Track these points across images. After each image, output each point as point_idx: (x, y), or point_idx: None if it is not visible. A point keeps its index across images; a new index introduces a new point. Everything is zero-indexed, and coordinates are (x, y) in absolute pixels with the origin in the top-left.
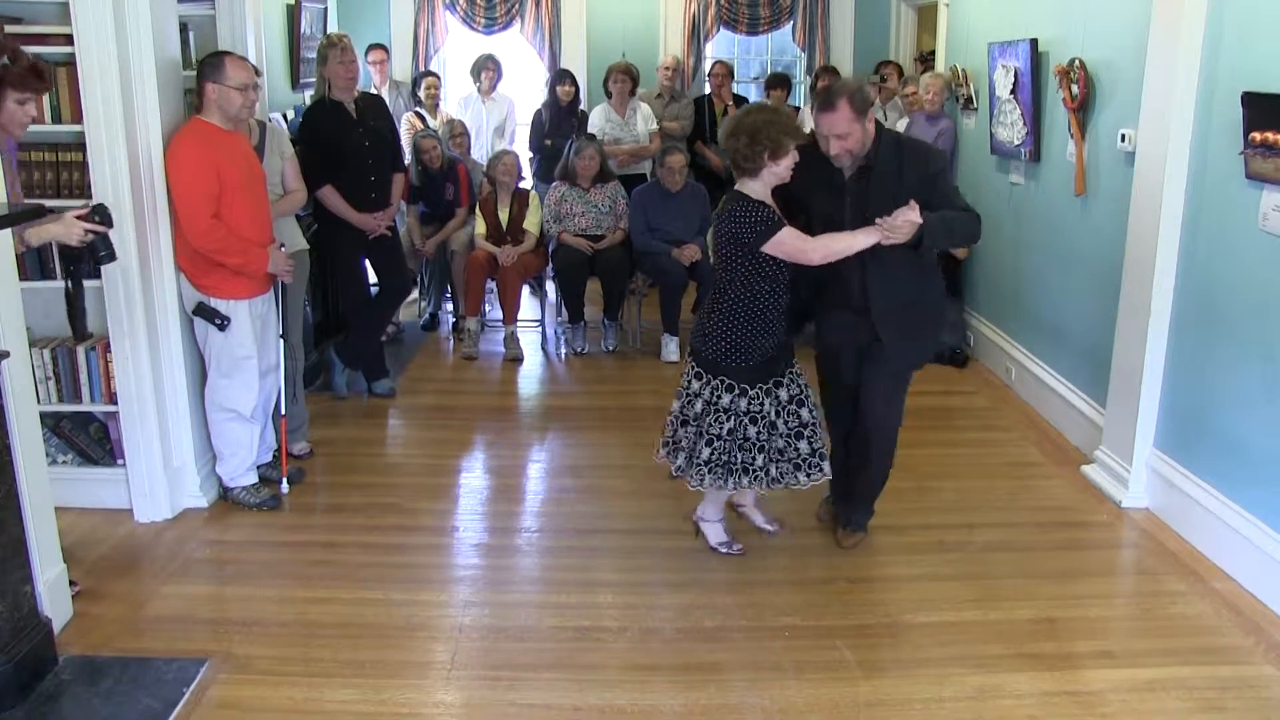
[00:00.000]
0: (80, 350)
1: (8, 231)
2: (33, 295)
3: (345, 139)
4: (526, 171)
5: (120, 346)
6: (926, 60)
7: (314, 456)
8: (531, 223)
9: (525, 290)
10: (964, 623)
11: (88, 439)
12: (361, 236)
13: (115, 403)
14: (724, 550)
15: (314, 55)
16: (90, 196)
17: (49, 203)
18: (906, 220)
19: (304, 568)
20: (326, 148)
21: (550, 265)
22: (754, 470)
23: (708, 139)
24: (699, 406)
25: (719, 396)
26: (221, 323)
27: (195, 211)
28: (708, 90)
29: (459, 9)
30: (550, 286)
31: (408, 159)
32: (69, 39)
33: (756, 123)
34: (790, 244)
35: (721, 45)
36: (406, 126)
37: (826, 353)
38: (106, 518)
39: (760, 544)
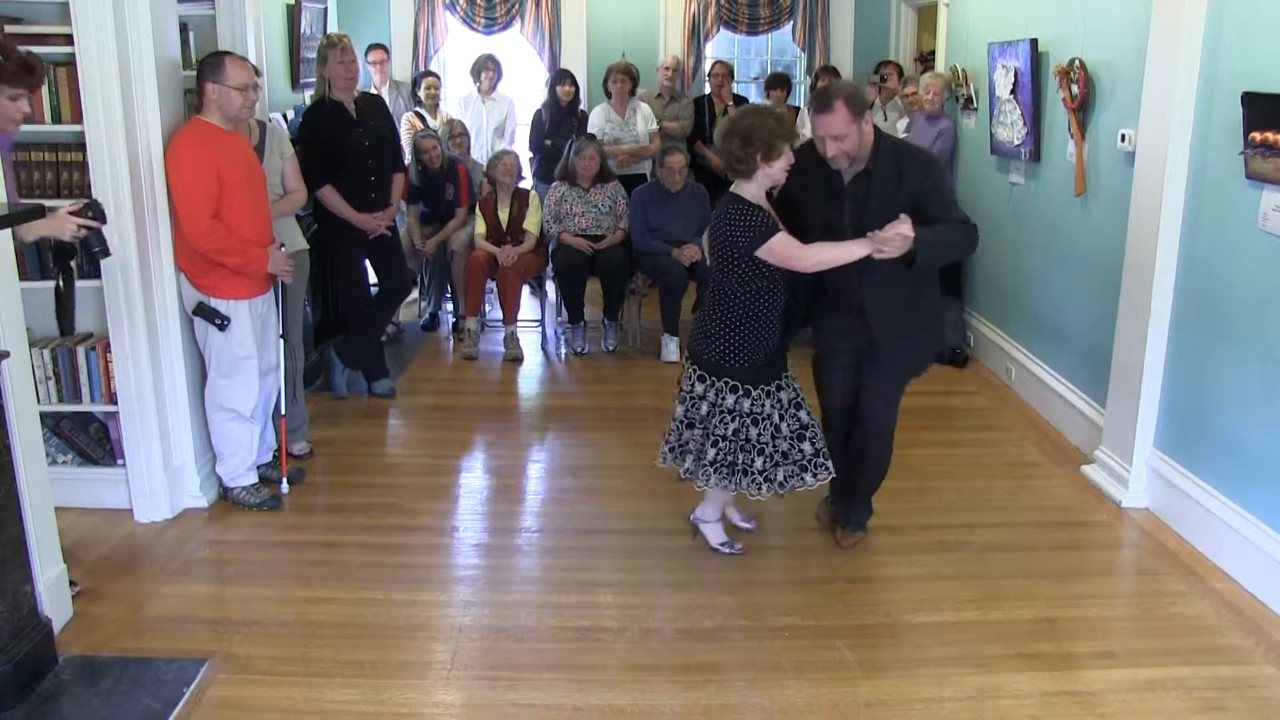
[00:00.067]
0: (80, 350)
1: (7, 232)
2: (33, 295)
3: (345, 139)
4: (526, 171)
5: (120, 346)
6: (926, 60)
7: (314, 456)
8: (531, 223)
9: (525, 290)
10: (964, 623)
11: (88, 439)
12: (361, 236)
13: (115, 403)
14: (724, 550)
15: (314, 55)
16: (90, 196)
17: (48, 203)
18: (899, 234)
19: (304, 568)
20: (326, 148)
21: (550, 265)
22: (753, 473)
23: (708, 139)
24: (704, 409)
25: (723, 398)
26: (221, 323)
27: (195, 211)
28: (708, 90)
29: (459, 9)
30: (550, 286)
31: (408, 159)
32: (69, 39)
33: (750, 125)
34: (782, 250)
35: (721, 45)
36: (406, 126)
37: (825, 353)
38: (106, 518)
39: (760, 544)
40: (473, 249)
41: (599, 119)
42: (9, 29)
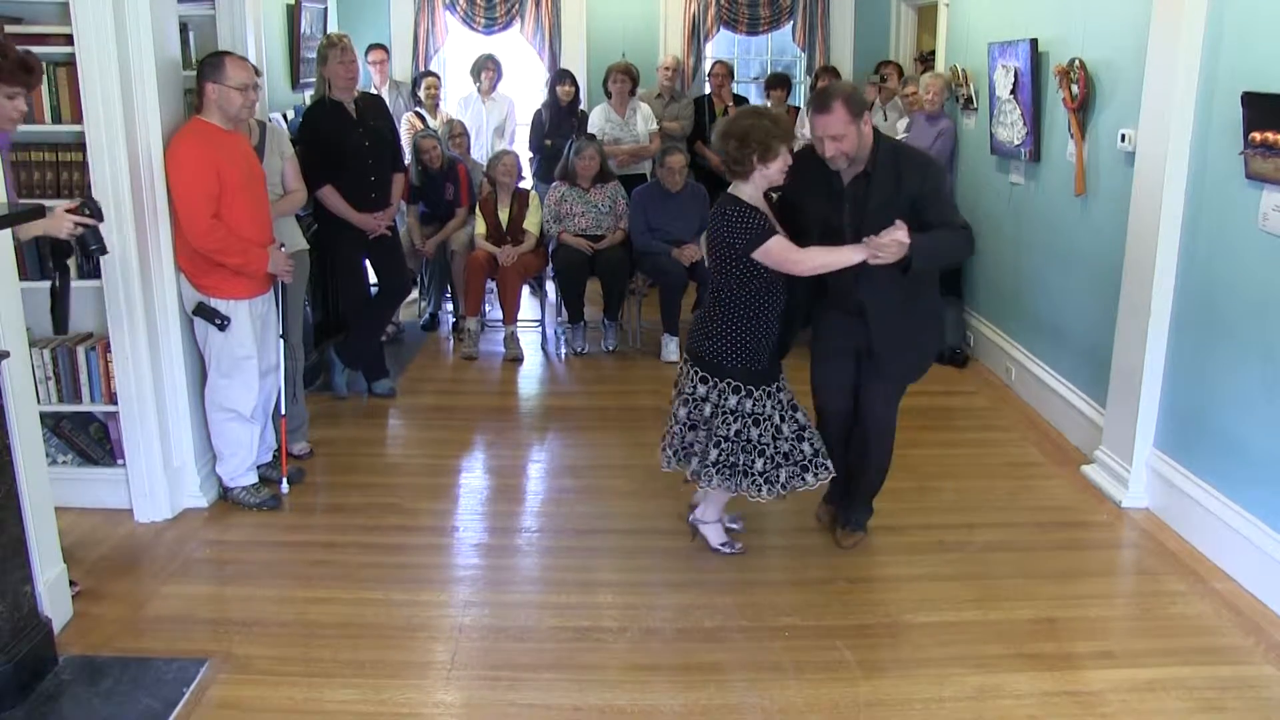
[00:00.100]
0: (80, 350)
1: (7, 232)
2: (33, 295)
3: (345, 139)
4: (526, 171)
5: (120, 346)
6: (926, 60)
7: (314, 456)
8: (531, 223)
9: (525, 290)
10: (964, 623)
11: (88, 439)
12: (361, 236)
13: (115, 403)
14: (725, 550)
15: (314, 55)
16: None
17: (48, 203)
18: (894, 240)
19: (304, 568)
20: (326, 148)
21: (550, 265)
22: (753, 474)
23: (708, 139)
24: (708, 411)
25: (725, 399)
26: (221, 323)
27: (195, 211)
28: (708, 90)
29: (459, 9)
30: (550, 286)
31: (408, 159)
32: (69, 39)
33: (746, 127)
34: (778, 254)
35: (721, 45)
36: (406, 126)
37: (824, 353)
38: (106, 518)
39: (760, 544)
40: (473, 249)
41: (599, 119)
42: (9, 29)
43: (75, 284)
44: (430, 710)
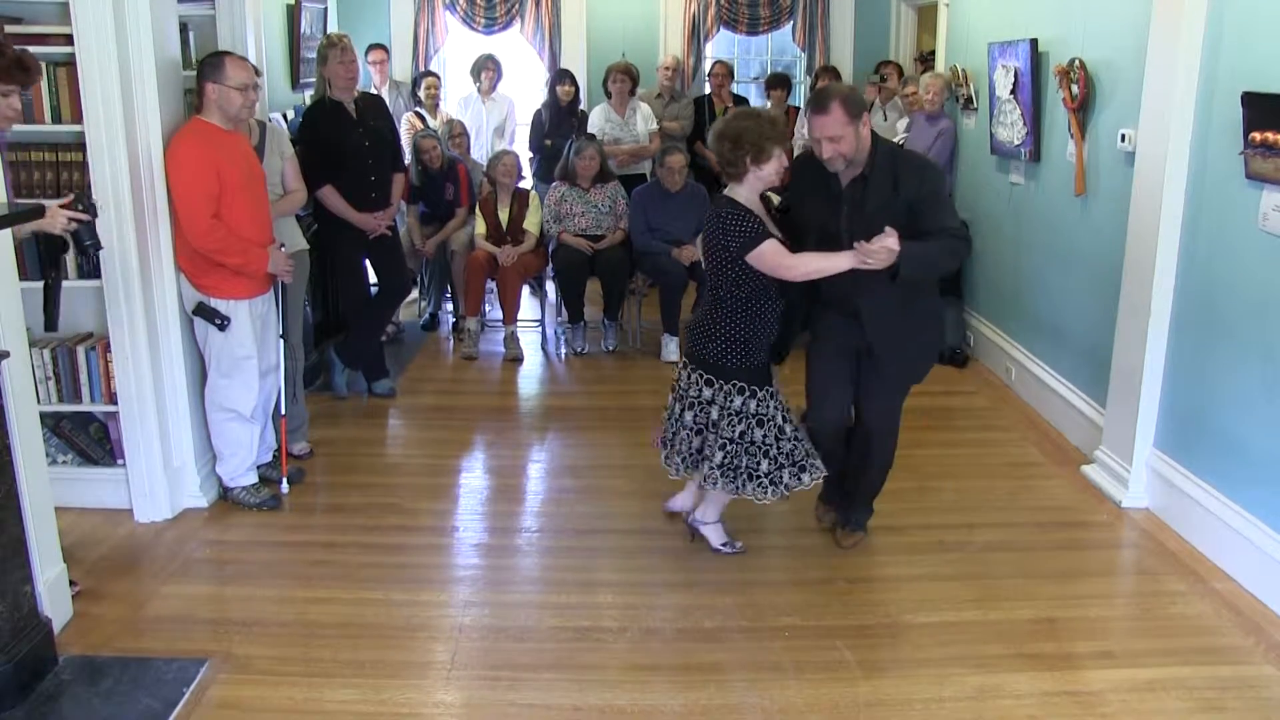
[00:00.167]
0: (80, 350)
1: (7, 232)
2: (33, 295)
3: (345, 139)
4: (526, 171)
5: (120, 346)
6: (926, 60)
7: (314, 456)
8: (531, 223)
9: (525, 290)
10: (964, 623)
11: (88, 439)
12: (361, 236)
13: (115, 403)
14: (726, 550)
15: (314, 55)
16: (93, 197)
17: (48, 203)
18: (884, 247)
19: (304, 568)
20: (326, 148)
21: (550, 265)
22: (759, 476)
23: (707, 139)
24: (715, 414)
25: (730, 400)
26: (221, 323)
27: (195, 211)
28: (708, 90)
29: (459, 9)
30: (550, 286)
31: (408, 159)
32: (69, 39)
33: (740, 128)
34: (770, 258)
35: (721, 45)
36: (406, 126)
37: (822, 354)
38: (106, 518)
39: (760, 544)
40: (473, 249)
41: (599, 119)
42: (9, 29)
43: (76, 284)
44: (430, 710)
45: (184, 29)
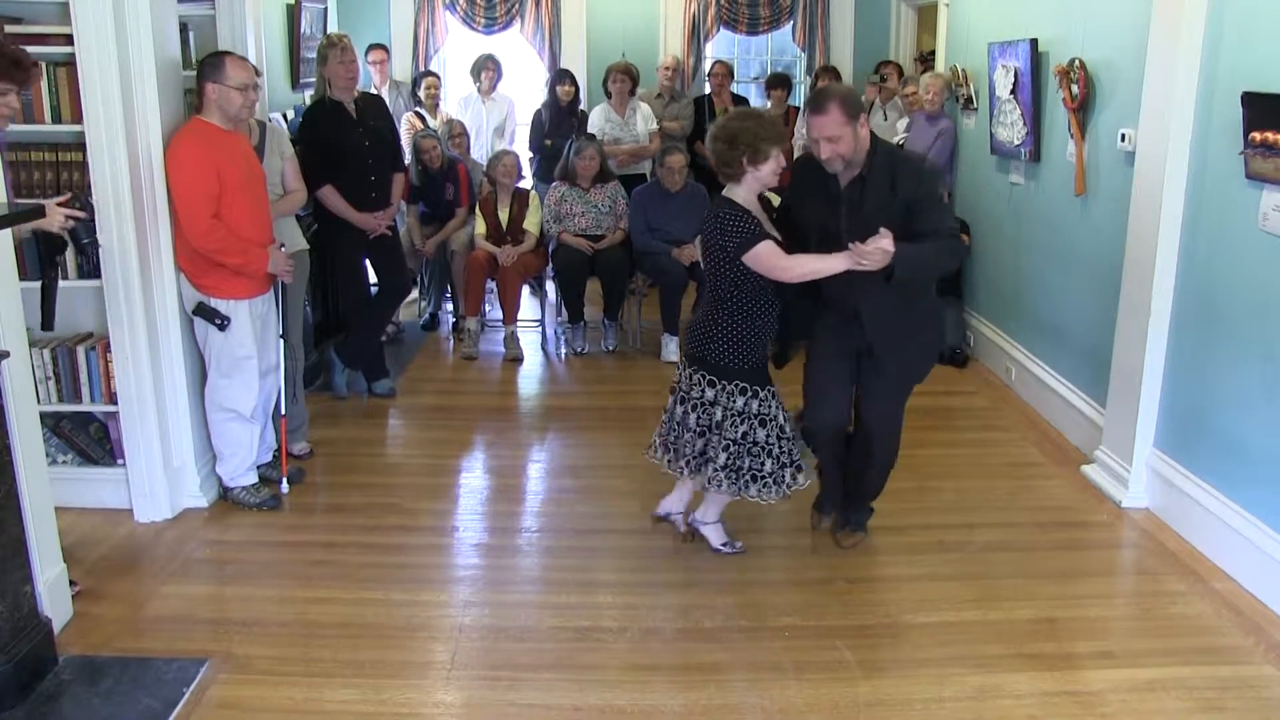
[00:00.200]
0: (80, 350)
1: (7, 232)
2: (33, 295)
3: (345, 139)
4: (526, 171)
5: (120, 346)
6: (926, 60)
7: (314, 456)
8: (531, 223)
9: (525, 290)
10: (964, 623)
11: (88, 439)
12: (362, 236)
13: (115, 403)
14: (726, 550)
15: (314, 55)
16: (91, 196)
17: (48, 203)
18: (878, 248)
19: (304, 568)
20: (326, 148)
21: (550, 265)
22: (762, 477)
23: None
24: (718, 415)
25: (733, 400)
26: (221, 323)
27: (195, 211)
28: (708, 90)
29: (459, 9)
30: (550, 286)
31: (408, 159)
32: (69, 39)
33: (736, 129)
34: (766, 259)
35: (721, 45)
36: (406, 126)
37: (821, 354)
38: (106, 518)
39: (760, 544)
40: (473, 249)
41: (599, 119)
42: (9, 29)
43: (76, 284)
44: (430, 710)
45: (184, 29)
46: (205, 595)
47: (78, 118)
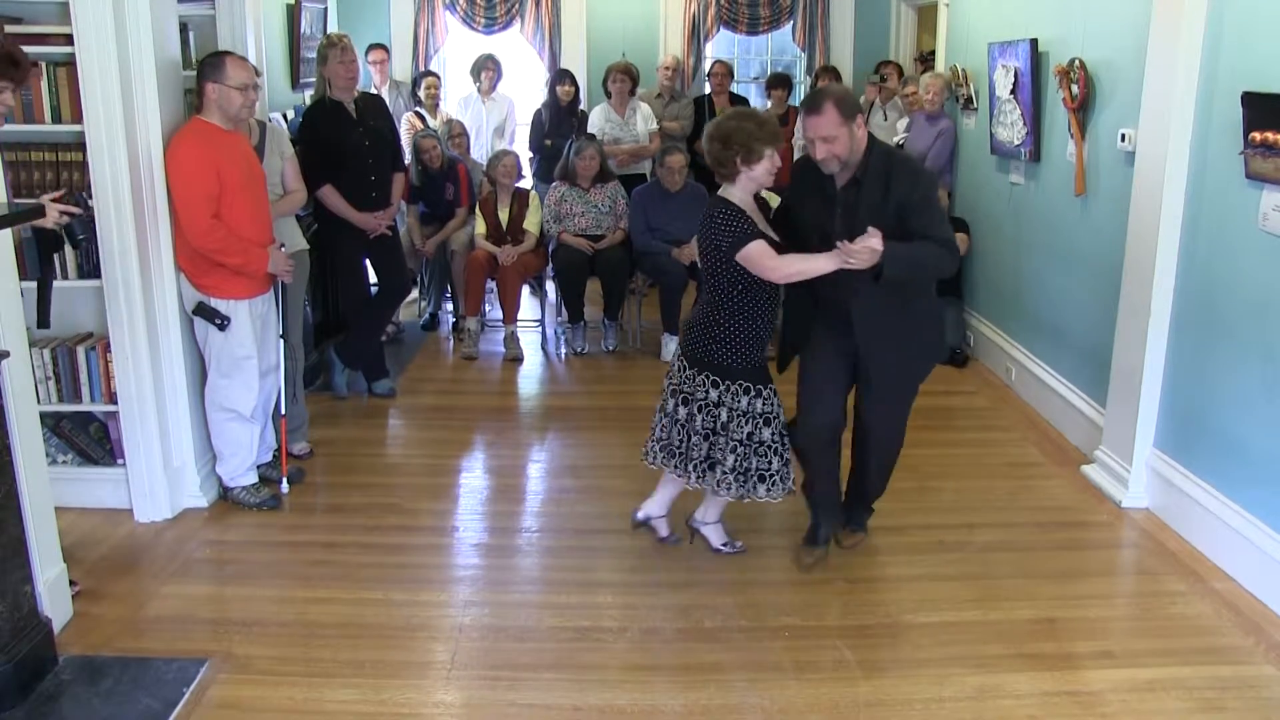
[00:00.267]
0: (80, 350)
1: (7, 232)
2: (32, 295)
3: (345, 139)
4: (526, 171)
5: (120, 346)
6: (926, 60)
7: (314, 456)
8: (531, 223)
9: (525, 290)
10: (964, 623)
11: (88, 439)
12: (362, 236)
13: (115, 403)
14: (726, 550)
15: (314, 55)
16: (91, 197)
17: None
18: (866, 247)
19: (304, 568)
20: (326, 148)
21: (550, 265)
22: (770, 476)
23: None
24: (724, 415)
25: (737, 400)
26: (221, 323)
27: (195, 211)
28: (708, 90)
29: (459, 9)
30: (550, 286)
31: (408, 159)
32: (69, 39)
33: (730, 129)
34: (756, 259)
35: (721, 45)
36: (406, 126)
37: (817, 354)
38: (106, 518)
39: (760, 544)
40: (473, 249)
41: (599, 119)
42: (9, 29)
43: (76, 284)
44: (430, 710)
45: (184, 29)
46: (205, 595)
47: (78, 118)
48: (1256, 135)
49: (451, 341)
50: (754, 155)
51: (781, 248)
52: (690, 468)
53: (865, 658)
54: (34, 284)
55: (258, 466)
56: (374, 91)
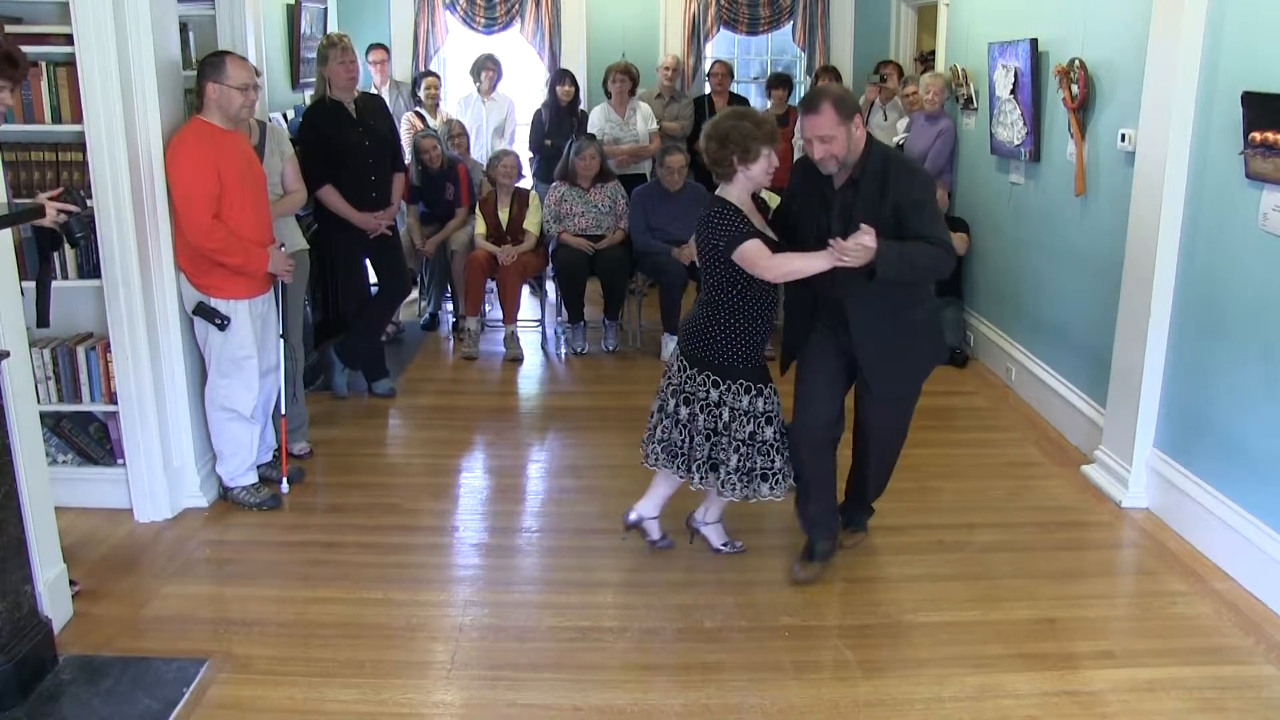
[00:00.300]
0: (80, 350)
1: (7, 232)
2: (33, 295)
3: (345, 139)
4: (526, 171)
5: (120, 346)
6: (926, 60)
7: (314, 456)
8: (531, 223)
9: (525, 290)
10: (964, 623)
11: (88, 439)
12: (362, 236)
13: (115, 403)
14: (726, 550)
15: (314, 55)
16: (91, 196)
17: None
18: (859, 245)
19: (304, 568)
20: (326, 148)
21: (550, 265)
22: (773, 474)
23: None
24: (726, 415)
25: (739, 400)
26: (221, 323)
27: (195, 211)
28: (708, 90)
29: (459, 9)
30: (550, 286)
31: (408, 159)
32: (69, 39)
33: (727, 128)
34: (751, 258)
35: (721, 45)
36: (406, 126)
37: (815, 355)
38: (106, 518)
39: (760, 544)
40: (473, 249)
41: (599, 119)
42: (9, 29)
43: (76, 284)
44: (430, 710)
45: (184, 29)
46: (205, 595)
47: (78, 117)
48: (1256, 135)
49: (451, 341)
50: (751, 155)
51: (779, 247)
52: (694, 468)
53: (865, 658)
54: (34, 284)
55: (258, 466)
56: (374, 91)
